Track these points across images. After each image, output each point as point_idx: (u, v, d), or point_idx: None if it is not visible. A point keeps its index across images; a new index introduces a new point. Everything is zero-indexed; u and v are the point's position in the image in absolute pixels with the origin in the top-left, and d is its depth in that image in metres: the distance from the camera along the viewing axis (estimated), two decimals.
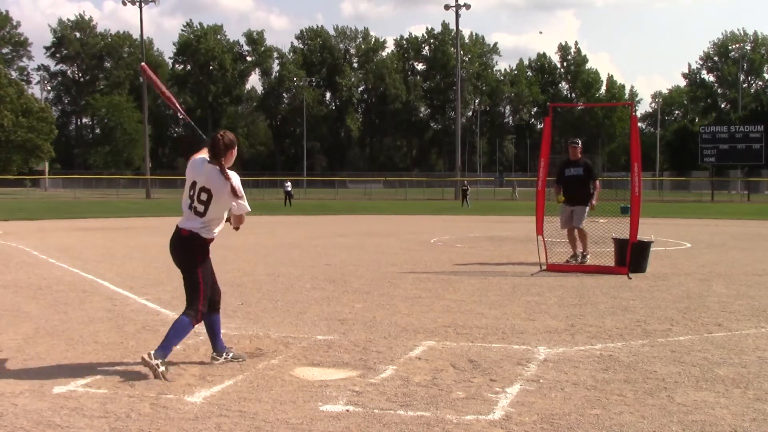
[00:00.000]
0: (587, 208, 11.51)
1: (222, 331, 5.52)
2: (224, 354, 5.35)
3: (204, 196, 5.10)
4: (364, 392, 4.58)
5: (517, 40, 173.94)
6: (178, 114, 5.48)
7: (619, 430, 3.93)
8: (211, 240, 5.24)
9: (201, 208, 5.10)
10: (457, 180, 61.38)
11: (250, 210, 5.24)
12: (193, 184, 5.15)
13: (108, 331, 6.46)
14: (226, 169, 5.08)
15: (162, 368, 4.83)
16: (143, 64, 5.51)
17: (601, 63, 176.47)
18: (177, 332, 5.03)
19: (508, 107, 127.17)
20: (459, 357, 5.52)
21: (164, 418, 4.10)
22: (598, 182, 11.94)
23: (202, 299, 5.16)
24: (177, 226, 5.23)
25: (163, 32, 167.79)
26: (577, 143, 11.77)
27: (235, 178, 5.11)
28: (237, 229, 5.39)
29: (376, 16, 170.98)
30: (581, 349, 5.83)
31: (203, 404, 4.35)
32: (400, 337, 6.27)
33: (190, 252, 5.16)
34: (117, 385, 4.73)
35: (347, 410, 4.22)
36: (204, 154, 5.23)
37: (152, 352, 4.87)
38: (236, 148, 5.23)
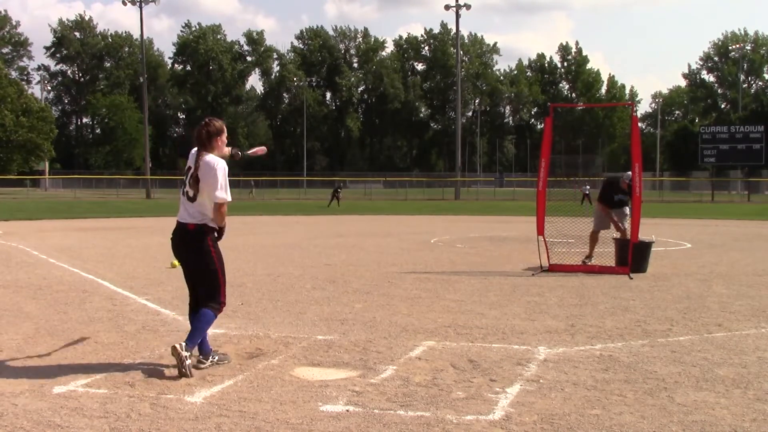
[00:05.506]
0: (627, 208, 11.69)
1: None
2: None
3: (194, 183, 5.10)
4: (364, 392, 4.58)
5: (504, 40, 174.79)
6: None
7: (619, 430, 3.93)
8: (216, 229, 5.17)
9: (191, 192, 5.11)
10: (457, 180, 61.39)
11: (226, 198, 5.07)
12: (188, 169, 5.17)
13: (108, 331, 6.46)
14: (206, 155, 5.06)
15: (188, 361, 4.86)
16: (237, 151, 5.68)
17: (595, 63, 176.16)
18: (203, 324, 5.04)
19: (508, 107, 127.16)
20: (459, 357, 5.52)
21: (164, 418, 4.09)
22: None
23: (222, 290, 5.18)
24: (178, 221, 5.21)
25: (152, 34, 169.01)
26: (628, 179, 11.51)
27: (219, 165, 5.07)
28: (220, 227, 5.25)
29: (359, 17, 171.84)
30: (581, 349, 5.83)
31: (203, 404, 4.35)
32: (400, 337, 6.27)
33: (201, 244, 5.11)
34: (117, 385, 4.73)
35: (347, 410, 4.22)
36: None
37: (183, 343, 4.87)
38: (223, 134, 5.19)
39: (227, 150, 5.28)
